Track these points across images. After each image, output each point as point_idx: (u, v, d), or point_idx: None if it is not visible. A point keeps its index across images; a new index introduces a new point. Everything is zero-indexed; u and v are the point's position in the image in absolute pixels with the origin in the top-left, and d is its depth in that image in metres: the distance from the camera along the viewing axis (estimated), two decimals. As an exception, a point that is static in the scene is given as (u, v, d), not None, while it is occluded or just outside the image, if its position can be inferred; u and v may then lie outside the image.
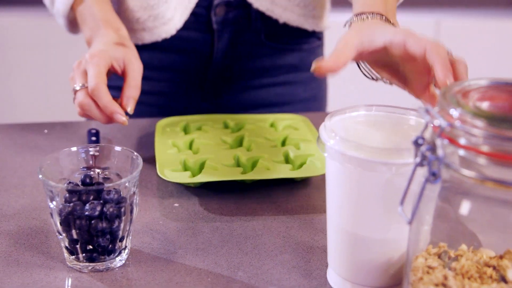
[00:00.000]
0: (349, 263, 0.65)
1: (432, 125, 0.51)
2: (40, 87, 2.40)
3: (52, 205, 0.66)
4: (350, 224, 0.63)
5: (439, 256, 0.60)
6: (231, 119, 1.01)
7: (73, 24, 1.04)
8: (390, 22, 0.78)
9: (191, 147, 0.93)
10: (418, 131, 0.58)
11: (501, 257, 0.59)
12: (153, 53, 1.11)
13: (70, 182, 0.69)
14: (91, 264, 0.68)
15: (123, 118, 0.84)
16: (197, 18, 1.08)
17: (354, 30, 0.75)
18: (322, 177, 0.87)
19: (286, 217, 0.80)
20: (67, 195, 0.67)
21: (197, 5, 1.07)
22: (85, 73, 0.86)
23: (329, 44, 1.20)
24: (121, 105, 0.86)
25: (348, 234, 0.64)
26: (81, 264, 0.68)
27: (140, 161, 0.69)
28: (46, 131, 1.02)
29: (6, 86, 2.41)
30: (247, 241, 0.74)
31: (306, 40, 1.17)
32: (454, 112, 0.50)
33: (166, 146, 0.91)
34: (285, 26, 1.11)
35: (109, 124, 0.87)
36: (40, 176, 0.66)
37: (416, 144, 0.52)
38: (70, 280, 0.67)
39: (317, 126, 1.00)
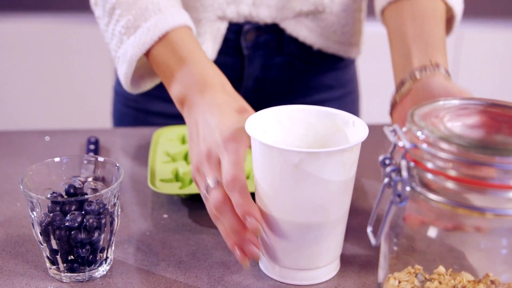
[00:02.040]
0: (274, 247, 0.68)
1: (397, 146, 0.51)
2: (42, 93, 2.41)
3: (33, 215, 0.67)
4: (276, 211, 0.66)
5: (416, 276, 0.59)
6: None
7: (140, 74, 0.91)
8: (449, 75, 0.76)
9: (186, 157, 0.93)
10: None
11: (479, 281, 0.58)
12: None
13: (54, 192, 0.70)
14: (72, 274, 0.68)
15: (256, 225, 0.65)
16: (226, 43, 1.06)
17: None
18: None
19: (274, 231, 0.79)
20: (50, 205, 0.67)
21: (227, 31, 1.04)
22: (218, 164, 0.70)
23: (362, 57, 1.19)
24: None
25: (275, 220, 0.66)
26: (62, 274, 0.69)
27: (121, 172, 0.69)
28: (47, 138, 1.03)
29: (7, 92, 2.42)
30: (231, 255, 0.74)
31: (341, 61, 1.15)
32: (421, 134, 0.50)
33: (160, 156, 0.92)
34: (320, 52, 1.10)
35: (241, 253, 0.67)
36: (21, 186, 0.66)
37: (383, 164, 0.51)
38: (49, 290, 0.68)
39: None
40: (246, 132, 0.67)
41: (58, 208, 0.67)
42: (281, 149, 0.62)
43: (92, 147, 0.96)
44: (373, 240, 0.52)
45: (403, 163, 0.49)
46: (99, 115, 2.39)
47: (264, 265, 0.72)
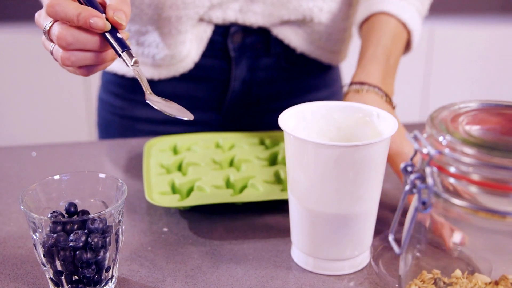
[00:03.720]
0: (309, 239, 0.70)
1: (421, 153, 0.50)
2: (27, 108, 2.36)
3: (35, 236, 0.65)
4: (306, 201, 0.68)
5: (435, 282, 0.58)
6: (222, 138, 0.99)
7: None
8: (385, 93, 0.84)
9: (180, 168, 0.92)
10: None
11: (496, 283, 0.57)
12: (169, 82, 1.09)
13: (54, 212, 0.68)
14: (77, 295, 0.66)
15: (100, 21, 0.67)
16: (213, 46, 1.05)
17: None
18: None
19: (277, 240, 0.78)
20: (51, 224, 0.65)
21: (213, 33, 1.04)
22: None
23: (349, 59, 1.20)
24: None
25: (305, 211, 0.69)
26: (66, 295, 0.67)
27: (125, 189, 0.67)
28: (34, 154, 1.00)
29: None
30: (237, 267, 0.73)
31: (324, 65, 1.16)
32: (443, 140, 0.49)
33: (154, 168, 0.90)
34: (302, 55, 1.10)
35: (101, 52, 0.70)
36: (22, 207, 0.64)
37: (405, 171, 0.51)
38: (55, 312, 0.66)
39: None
40: None
41: (59, 228, 0.65)
42: (320, 144, 0.64)
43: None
44: (397, 249, 0.52)
45: (428, 170, 0.48)
46: (83, 126, 2.36)
47: (297, 256, 0.73)
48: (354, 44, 1.23)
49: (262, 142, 0.99)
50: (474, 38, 2.41)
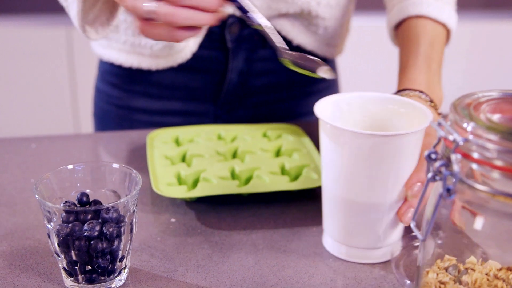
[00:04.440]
0: (342, 227, 0.71)
1: (446, 140, 0.51)
2: (26, 99, 2.34)
3: (50, 226, 0.64)
4: (341, 190, 0.69)
5: (447, 270, 0.59)
6: (224, 130, 0.99)
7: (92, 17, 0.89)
8: (430, 98, 0.83)
9: (184, 160, 0.92)
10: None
11: (510, 269, 0.58)
12: (166, 72, 1.09)
13: (66, 202, 0.67)
14: (90, 285, 0.66)
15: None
16: (210, 37, 1.05)
17: None
18: (319, 188, 0.86)
19: (285, 230, 0.78)
20: (64, 214, 0.65)
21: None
22: None
23: (345, 52, 1.20)
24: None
25: (339, 200, 0.70)
26: (80, 285, 0.66)
27: (139, 178, 0.67)
28: (34, 146, 0.99)
29: None
30: (248, 256, 0.73)
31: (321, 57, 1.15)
32: (468, 126, 0.50)
33: (158, 159, 0.90)
34: (298, 48, 1.09)
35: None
36: (37, 196, 0.64)
37: (429, 159, 0.51)
38: (69, 302, 0.65)
39: (308, 133, 0.99)
40: None
41: (71, 218, 0.64)
42: (355, 132, 0.65)
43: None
44: (420, 235, 0.52)
45: (454, 157, 0.49)
46: (79, 118, 2.34)
47: (330, 245, 0.74)
48: (351, 38, 1.24)
49: (264, 134, 0.99)
50: (457, 34, 2.43)
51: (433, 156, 0.51)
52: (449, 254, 0.59)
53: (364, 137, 0.65)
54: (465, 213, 0.55)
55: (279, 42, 0.72)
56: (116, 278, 0.68)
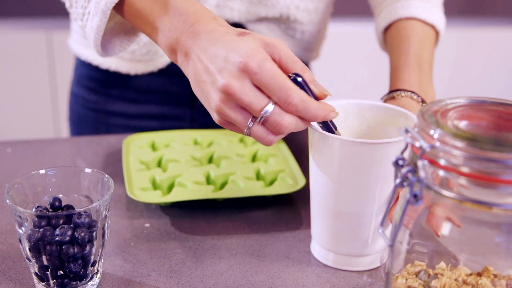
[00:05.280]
0: (329, 234, 0.72)
1: (412, 146, 0.51)
2: (6, 103, 2.32)
3: (21, 230, 0.64)
4: (327, 197, 0.69)
5: (416, 275, 0.60)
6: (201, 135, 0.99)
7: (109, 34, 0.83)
8: (422, 99, 0.83)
9: (159, 165, 0.92)
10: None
11: (479, 275, 0.59)
12: (144, 76, 1.09)
13: (38, 206, 0.67)
14: (62, 290, 0.66)
15: (334, 113, 0.64)
16: None
17: None
18: (294, 192, 0.86)
19: (259, 235, 0.79)
20: (36, 219, 0.64)
21: None
22: (255, 87, 0.62)
23: (321, 58, 1.21)
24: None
25: (326, 207, 0.70)
26: (51, 290, 0.66)
27: (111, 183, 0.67)
28: (9, 150, 0.99)
29: None
30: (222, 262, 0.73)
31: None
32: (434, 133, 0.50)
33: (134, 164, 0.90)
34: None
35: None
36: (8, 201, 0.64)
37: (397, 165, 0.52)
38: (40, 307, 0.65)
39: (289, 138, 0.99)
40: (262, 49, 0.62)
41: (43, 223, 0.64)
42: (339, 139, 0.65)
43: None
44: (387, 240, 0.53)
45: (420, 163, 0.49)
46: (48, 123, 2.32)
47: (318, 252, 0.74)
48: (327, 44, 1.25)
49: (241, 140, 0.99)
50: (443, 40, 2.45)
51: (400, 162, 0.51)
52: (419, 259, 0.60)
53: (349, 144, 0.65)
54: (437, 219, 0.56)
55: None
56: (89, 283, 0.67)
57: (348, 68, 2.38)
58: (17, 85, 2.28)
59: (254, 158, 0.95)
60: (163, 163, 0.91)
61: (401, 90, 0.83)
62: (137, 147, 0.95)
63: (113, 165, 0.94)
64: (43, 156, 0.98)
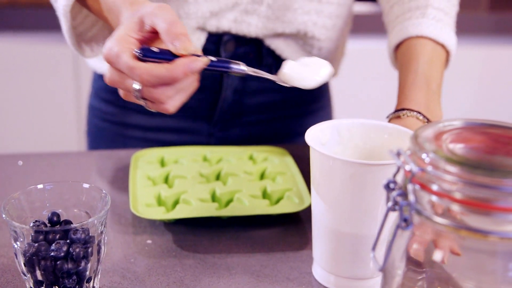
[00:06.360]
0: (330, 256, 0.70)
1: (403, 169, 0.50)
2: (32, 116, 2.35)
3: (16, 245, 0.64)
4: (328, 218, 0.68)
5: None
6: (210, 151, 0.99)
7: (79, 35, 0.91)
8: (428, 120, 0.83)
9: (166, 181, 0.91)
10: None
11: (478, 302, 0.57)
12: None
13: (36, 221, 0.67)
14: (57, 305, 0.66)
15: (197, 61, 0.69)
16: (205, 54, 1.05)
17: None
18: (301, 212, 0.85)
19: (262, 255, 0.78)
20: (33, 234, 0.64)
21: (207, 41, 1.03)
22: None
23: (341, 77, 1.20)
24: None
25: (327, 228, 0.69)
26: (46, 306, 0.66)
27: (108, 199, 0.67)
28: (20, 163, 1.00)
29: None
30: (220, 281, 0.72)
31: None
32: (426, 157, 0.49)
33: (140, 179, 0.89)
34: None
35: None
36: (4, 216, 0.64)
37: (388, 188, 0.50)
38: (34, 323, 0.65)
39: (295, 157, 0.98)
40: (126, 33, 0.69)
41: (41, 237, 0.64)
42: (337, 159, 0.65)
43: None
44: (377, 266, 0.51)
45: (410, 187, 0.48)
46: (73, 135, 2.34)
47: (319, 274, 0.73)
48: (346, 62, 1.24)
49: (250, 157, 0.99)
50: (468, 59, 2.42)
51: (391, 185, 0.50)
52: (415, 286, 0.58)
53: (349, 165, 0.64)
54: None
55: (268, 75, 0.72)
56: (85, 299, 0.67)
57: (368, 86, 2.36)
58: (42, 98, 2.31)
59: (262, 176, 0.94)
60: (170, 179, 0.90)
61: (407, 109, 0.82)
62: (146, 162, 0.95)
63: (122, 180, 0.94)
64: (53, 170, 0.98)
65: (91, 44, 0.94)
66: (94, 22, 0.91)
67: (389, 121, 0.84)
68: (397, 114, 0.83)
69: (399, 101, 0.87)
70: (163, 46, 0.70)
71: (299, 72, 0.72)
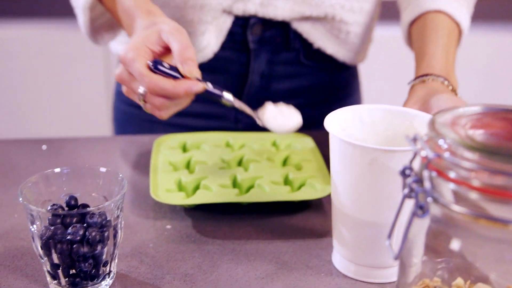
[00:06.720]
0: (350, 245, 0.69)
1: (419, 156, 0.48)
2: (39, 101, 2.37)
3: (33, 228, 0.64)
4: (348, 206, 0.67)
5: (434, 289, 0.57)
6: (233, 137, 0.98)
7: (96, 27, 1.00)
8: (453, 87, 0.84)
9: (188, 166, 0.91)
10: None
11: (499, 293, 0.55)
12: None
13: (54, 204, 0.67)
14: (74, 289, 0.66)
15: (198, 86, 0.75)
16: (233, 37, 1.05)
17: (413, 99, 0.82)
18: (322, 198, 0.84)
19: (281, 242, 0.77)
20: (51, 217, 0.64)
21: (233, 24, 1.03)
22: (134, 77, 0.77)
23: (368, 62, 1.19)
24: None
25: (346, 216, 0.68)
26: (63, 289, 0.66)
27: (124, 183, 0.67)
28: (44, 147, 1.00)
29: (3, 100, 2.38)
30: (238, 267, 0.72)
31: (341, 64, 1.14)
32: (443, 143, 0.47)
33: (161, 165, 0.89)
34: (318, 51, 1.08)
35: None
36: (21, 199, 0.64)
37: (403, 174, 0.49)
38: (51, 306, 0.65)
39: (320, 144, 0.97)
40: (143, 43, 0.76)
41: (59, 221, 0.64)
42: (357, 145, 0.64)
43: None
44: (393, 254, 0.50)
45: (426, 174, 0.47)
46: (96, 122, 2.36)
47: (339, 262, 0.72)
48: (374, 48, 1.22)
49: (273, 143, 0.98)
50: (482, 44, 2.37)
51: (407, 171, 0.48)
52: (434, 275, 0.57)
53: (368, 151, 0.63)
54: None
55: (252, 114, 0.80)
56: (102, 283, 0.67)
57: (397, 72, 2.32)
58: (73, 85, 2.33)
59: (285, 163, 0.93)
60: (191, 165, 0.90)
61: (431, 74, 0.83)
62: (168, 147, 0.95)
63: (145, 165, 0.94)
64: (76, 154, 0.98)
65: (101, 32, 1.00)
66: (103, 12, 0.97)
67: (412, 87, 0.85)
68: (421, 79, 0.83)
69: (420, 68, 0.88)
70: (171, 62, 0.77)
71: (274, 117, 0.78)
